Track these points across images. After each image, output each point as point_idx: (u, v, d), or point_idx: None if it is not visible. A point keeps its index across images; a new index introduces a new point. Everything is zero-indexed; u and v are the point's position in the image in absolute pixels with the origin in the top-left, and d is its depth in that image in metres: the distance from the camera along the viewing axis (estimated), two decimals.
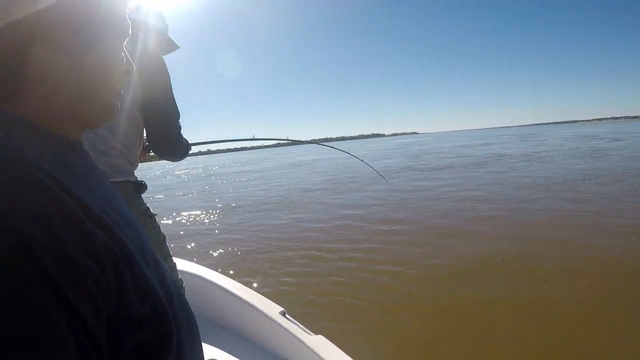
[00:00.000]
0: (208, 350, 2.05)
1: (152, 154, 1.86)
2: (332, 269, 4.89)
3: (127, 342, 0.45)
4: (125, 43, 0.60)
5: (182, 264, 2.46)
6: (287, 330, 1.85)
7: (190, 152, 1.86)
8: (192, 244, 6.85)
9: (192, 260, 2.80)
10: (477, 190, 9.45)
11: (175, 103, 1.65)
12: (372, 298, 4.00)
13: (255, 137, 3.04)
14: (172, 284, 0.59)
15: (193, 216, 9.66)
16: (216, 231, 7.70)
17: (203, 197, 13.51)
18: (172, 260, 1.73)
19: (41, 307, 0.35)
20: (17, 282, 0.35)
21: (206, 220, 8.93)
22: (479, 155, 20.46)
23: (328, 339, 1.75)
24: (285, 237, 6.61)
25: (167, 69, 1.63)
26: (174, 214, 10.21)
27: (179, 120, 1.69)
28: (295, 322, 1.93)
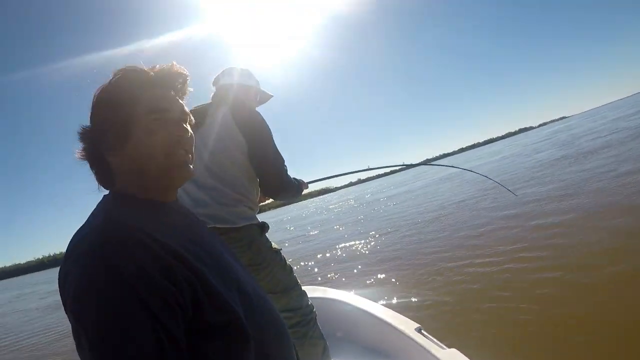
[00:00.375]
0: None
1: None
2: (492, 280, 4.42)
3: (209, 344, 0.66)
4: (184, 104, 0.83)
5: (330, 293, 2.84)
6: (421, 346, 1.95)
7: (306, 190, 2.08)
8: (354, 270, 6.89)
9: (348, 286, 3.02)
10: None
11: (278, 151, 1.83)
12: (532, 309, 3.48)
13: (370, 167, 3.24)
14: (265, 308, 0.81)
15: (350, 245, 9.66)
16: (373, 256, 7.54)
17: (359, 226, 13.57)
18: (300, 288, 1.91)
19: (130, 310, 0.59)
20: (114, 294, 0.59)
21: (364, 249, 8.83)
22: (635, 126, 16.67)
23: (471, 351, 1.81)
24: (442, 252, 6.16)
25: (263, 120, 1.81)
26: (332, 246, 10.35)
27: (284, 165, 1.86)
28: (430, 337, 2.04)
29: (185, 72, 0.83)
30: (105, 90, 0.77)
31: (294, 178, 1.97)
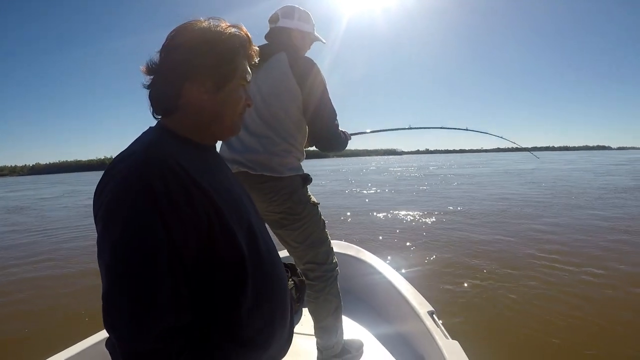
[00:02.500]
0: (358, 329, 2.40)
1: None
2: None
3: (215, 275, 0.76)
4: (251, 66, 0.91)
5: (362, 254, 2.94)
6: (427, 329, 1.99)
7: (350, 140, 2.05)
8: (394, 239, 6.77)
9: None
10: None
11: (331, 104, 1.82)
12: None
13: (412, 126, 3.10)
14: (267, 250, 0.89)
15: (398, 214, 9.55)
16: (424, 233, 7.37)
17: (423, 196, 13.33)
18: (329, 244, 1.93)
19: (151, 225, 0.68)
20: (143, 206, 0.68)
21: (428, 220, 8.69)
22: None
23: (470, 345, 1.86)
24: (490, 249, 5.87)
25: (319, 71, 1.78)
26: (382, 209, 10.30)
27: (337, 119, 1.85)
28: (439, 323, 2.04)
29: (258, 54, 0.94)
30: (220, 34, 0.84)
31: (342, 131, 1.95)
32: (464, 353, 1.78)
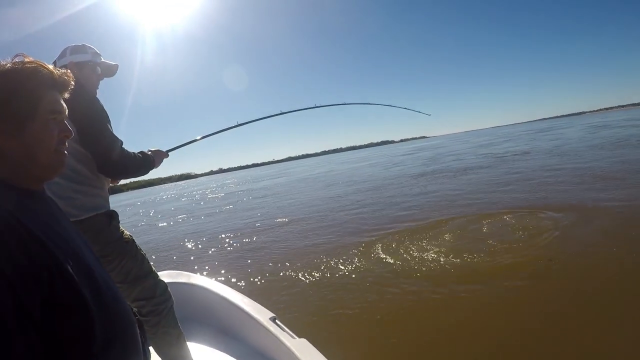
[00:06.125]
0: (208, 352, 2.42)
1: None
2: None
3: (60, 325, 0.73)
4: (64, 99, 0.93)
5: (193, 278, 2.95)
6: (273, 334, 2.09)
7: (166, 158, 2.12)
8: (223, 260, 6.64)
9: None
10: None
11: (106, 126, 1.79)
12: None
13: (254, 119, 2.90)
14: (108, 292, 0.88)
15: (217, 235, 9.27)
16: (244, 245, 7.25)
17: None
18: (154, 277, 1.94)
19: None
20: None
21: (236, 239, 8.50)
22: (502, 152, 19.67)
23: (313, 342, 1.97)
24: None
25: (92, 100, 1.80)
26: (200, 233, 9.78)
27: (115, 141, 1.82)
28: (283, 326, 2.17)
29: (73, 82, 0.95)
30: (7, 72, 0.82)
31: (139, 152, 1.96)
32: (313, 347, 1.92)
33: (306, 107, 3.04)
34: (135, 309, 1.80)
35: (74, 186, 1.74)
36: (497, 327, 3.29)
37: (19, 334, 0.67)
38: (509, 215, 6.44)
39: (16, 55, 0.86)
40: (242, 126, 2.84)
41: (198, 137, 2.54)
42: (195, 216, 14.70)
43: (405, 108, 4.50)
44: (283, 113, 3.00)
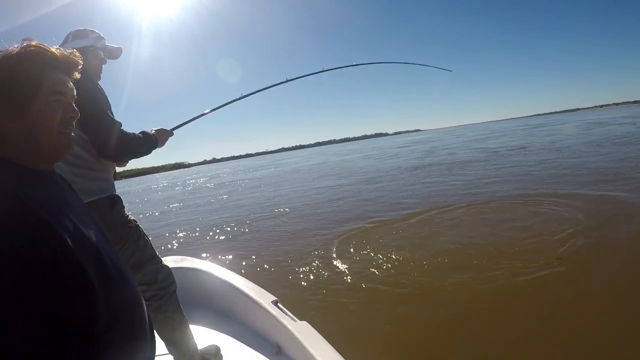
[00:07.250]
0: (212, 335, 2.45)
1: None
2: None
3: (62, 306, 0.71)
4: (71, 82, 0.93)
5: (197, 264, 2.98)
6: (275, 317, 2.14)
7: (171, 137, 2.10)
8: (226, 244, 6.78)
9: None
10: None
11: (105, 110, 1.78)
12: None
13: (250, 92, 2.85)
14: (115, 272, 0.87)
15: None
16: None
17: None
18: (157, 262, 1.94)
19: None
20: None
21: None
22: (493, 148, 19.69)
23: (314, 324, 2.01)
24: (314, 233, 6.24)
25: (91, 84, 1.77)
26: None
27: (114, 124, 1.80)
28: (285, 309, 2.21)
29: (81, 62, 0.94)
30: (11, 58, 0.83)
31: (140, 132, 1.96)
32: (314, 330, 1.95)
33: (314, 72, 3.01)
34: None
35: (74, 170, 1.74)
36: (494, 321, 3.31)
37: (21, 315, 0.67)
38: (524, 205, 6.55)
39: (23, 40, 0.87)
40: (243, 101, 2.85)
41: (207, 111, 2.52)
42: (189, 205, 14.65)
43: (424, 64, 4.38)
44: (289, 80, 2.98)
